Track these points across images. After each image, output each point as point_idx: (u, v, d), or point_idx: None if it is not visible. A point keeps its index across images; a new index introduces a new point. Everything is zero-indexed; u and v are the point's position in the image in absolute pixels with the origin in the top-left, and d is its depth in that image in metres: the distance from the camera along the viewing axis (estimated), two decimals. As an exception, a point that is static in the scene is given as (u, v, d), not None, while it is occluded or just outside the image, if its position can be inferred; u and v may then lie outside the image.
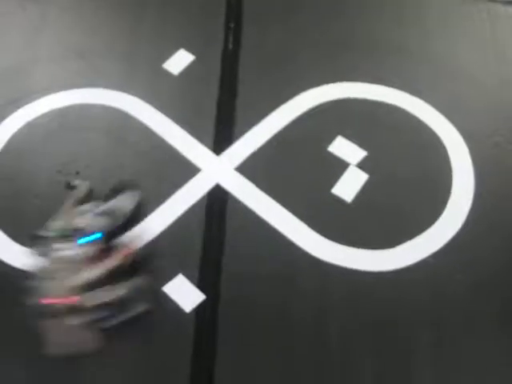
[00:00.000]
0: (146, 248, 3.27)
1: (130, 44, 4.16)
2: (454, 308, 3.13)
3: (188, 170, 3.60)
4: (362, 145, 3.63)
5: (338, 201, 3.46)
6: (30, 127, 3.81)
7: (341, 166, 3.57)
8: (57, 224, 3.18)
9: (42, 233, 3.13)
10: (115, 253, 3.11)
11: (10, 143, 3.74)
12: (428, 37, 4.12)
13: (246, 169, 3.60)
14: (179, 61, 4.07)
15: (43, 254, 3.08)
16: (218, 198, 3.51)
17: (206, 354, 3.06)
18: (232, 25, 4.23)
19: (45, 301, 2.97)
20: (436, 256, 3.26)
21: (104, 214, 3.23)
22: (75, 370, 3.03)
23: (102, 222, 3.18)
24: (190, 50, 4.11)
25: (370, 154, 3.60)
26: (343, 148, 3.63)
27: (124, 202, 3.34)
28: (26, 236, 3.22)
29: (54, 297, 2.98)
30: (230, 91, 3.92)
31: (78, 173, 3.59)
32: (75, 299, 2.98)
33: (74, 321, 2.98)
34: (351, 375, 2.99)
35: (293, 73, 3.99)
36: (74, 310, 2.97)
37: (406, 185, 3.50)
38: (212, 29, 4.21)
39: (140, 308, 3.08)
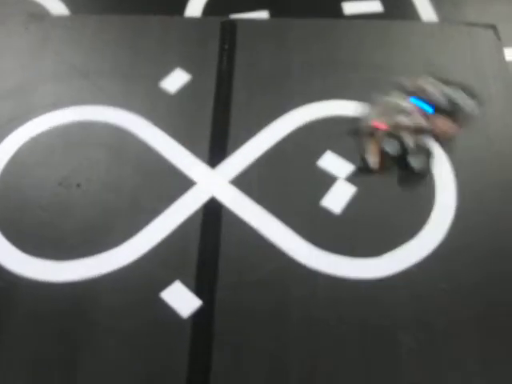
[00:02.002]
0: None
1: (129, 64, 4.29)
2: (435, 314, 3.24)
3: (184, 183, 3.71)
4: (349, 159, 3.77)
5: (327, 212, 3.57)
6: (34, 142, 3.91)
7: (330, 179, 3.69)
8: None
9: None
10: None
11: (15, 157, 3.85)
12: (412, 59, 4.29)
13: (240, 182, 3.72)
14: (176, 80, 4.20)
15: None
16: (213, 210, 3.61)
17: (203, 358, 3.14)
18: (226, 46, 4.38)
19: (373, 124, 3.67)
20: (419, 265, 3.37)
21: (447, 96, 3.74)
22: (71, 373, 3.10)
23: (442, 100, 3.72)
24: (186, 69, 4.25)
25: (357, 168, 3.73)
26: (332, 162, 3.76)
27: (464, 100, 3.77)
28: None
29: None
30: (224, 108, 4.05)
31: (79, 185, 3.71)
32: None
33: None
34: (342, 379, 3.08)
35: (284, 91, 4.13)
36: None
37: (391, 197, 3.63)
38: (207, 50, 4.35)
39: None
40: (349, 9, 4.65)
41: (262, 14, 4.65)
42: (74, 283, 3.37)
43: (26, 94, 4.15)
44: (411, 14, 4.63)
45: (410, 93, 3.79)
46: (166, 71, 4.24)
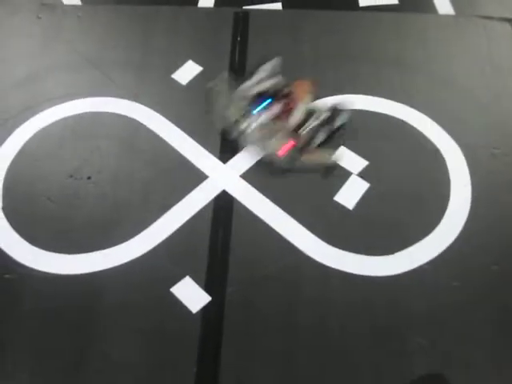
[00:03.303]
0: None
1: (140, 55, 4.27)
2: (448, 312, 3.21)
3: (196, 177, 3.69)
4: (363, 155, 3.72)
5: (340, 208, 3.54)
6: (44, 133, 3.90)
7: (343, 174, 3.66)
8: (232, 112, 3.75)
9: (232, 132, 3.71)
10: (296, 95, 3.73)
11: (25, 148, 3.83)
12: (428, 52, 4.23)
13: (252, 176, 3.69)
14: (187, 72, 4.17)
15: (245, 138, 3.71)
16: (224, 204, 3.59)
17: (212, 353, 3.12)
18: (238, 38, 4.34)
19: (280, 152, 3.61)
20: (432, 263, 3.34)
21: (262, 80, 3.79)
22: (78, 365, 3.10)
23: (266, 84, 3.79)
24: (198, 61, 4.22)
25: (371, 164, 3.69)
26: (346, 158, 3.72)
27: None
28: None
29: (281, 148, 3.62)
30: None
31: (89, 178, 3.69)
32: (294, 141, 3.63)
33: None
34: (351, 378, 3.05)
35: (297, 84, 4.08)
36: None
37: (406, 194, 3.58)
38: (219, 41, 4.32)
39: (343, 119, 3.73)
40: (364, 0, 4.59)
41: (276, 6, 4.58)
42: (83, 276, 3.35)
43: (36, 84, 4.13)
44: (427, 6, 4.56)
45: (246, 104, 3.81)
46: (177, 63, 4.21)
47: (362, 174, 3.66)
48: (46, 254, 3.42)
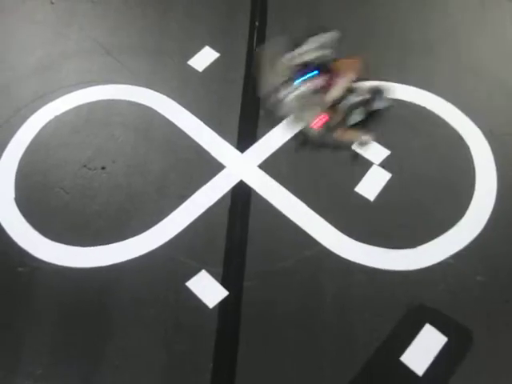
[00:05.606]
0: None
1: (155, 41, 4.20)
2: (473, 308, 3.12)
3: (213, 167, 3.62)
4: (385, 144, 3.63)
5: (361, 199, 3.45)
6: (58, 122, 3.84)
7: (364, 164, 3.57)
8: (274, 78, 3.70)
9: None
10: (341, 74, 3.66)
11: (38, 137, 3.77)
12: (451, 37, 4.13)
13: (269, 166, 3.61)
14: (204, 58, 4.10)
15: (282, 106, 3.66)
16: (241, 195, 3.52)
17: (228, 348, 3.07)
18: (256, 22, 4.25)
19: (314, 125, 3.60)
20: (457, 257, 3.25)
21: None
22: (92, 358, 3.06)
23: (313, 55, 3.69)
24: (214, 47, 4.14)
25: (393, 154, 3.59)
26: (367, 147, 3.62)
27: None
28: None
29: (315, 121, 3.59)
30: (253, 88, 3.91)
31: (103, 168, 3.62)
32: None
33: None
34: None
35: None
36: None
37: (429, 184, 3.49)
38: (237, 27, 4.24)
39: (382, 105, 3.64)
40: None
41: (294, -12, 4.48)
42: (97, 269, 3.30)
43: (50, 72, 4.07)
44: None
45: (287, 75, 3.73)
46: (193, 49, 4.13)
47: (384, 164, 3.56)
48: (60, 246, 3.37)
